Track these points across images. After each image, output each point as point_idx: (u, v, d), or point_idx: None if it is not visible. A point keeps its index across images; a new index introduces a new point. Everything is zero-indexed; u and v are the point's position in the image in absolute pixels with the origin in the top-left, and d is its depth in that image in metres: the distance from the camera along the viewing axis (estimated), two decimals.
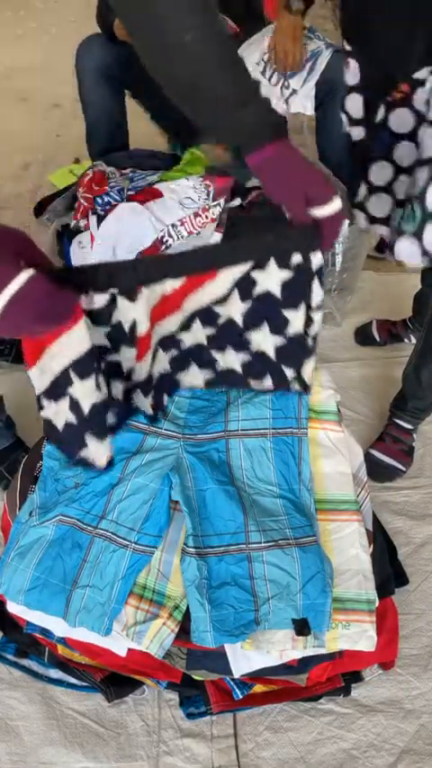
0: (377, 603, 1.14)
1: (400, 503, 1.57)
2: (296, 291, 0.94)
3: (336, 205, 0.86)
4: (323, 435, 1.23)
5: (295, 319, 0.97)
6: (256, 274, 0.93)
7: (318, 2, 1.96)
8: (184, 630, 1.09)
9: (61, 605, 1.09)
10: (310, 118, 2.12)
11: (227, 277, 0.93)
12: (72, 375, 0.90)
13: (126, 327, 0.92)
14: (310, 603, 1.07)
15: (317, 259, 0.91)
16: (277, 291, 0.93)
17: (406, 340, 1.90)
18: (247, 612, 1.07)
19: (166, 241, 1.91)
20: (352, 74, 1.17)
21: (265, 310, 0.97)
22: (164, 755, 1.20)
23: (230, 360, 1.06)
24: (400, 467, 1.61)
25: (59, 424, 0.97)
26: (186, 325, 0.99)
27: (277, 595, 1.07)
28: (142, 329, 0.92)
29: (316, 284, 0.95)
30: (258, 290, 0.94)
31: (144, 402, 1.08)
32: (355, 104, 1.19)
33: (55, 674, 1.26)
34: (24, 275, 0.72)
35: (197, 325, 0.99)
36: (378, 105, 1.13)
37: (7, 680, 1.29)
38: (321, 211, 0.86)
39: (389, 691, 1.27)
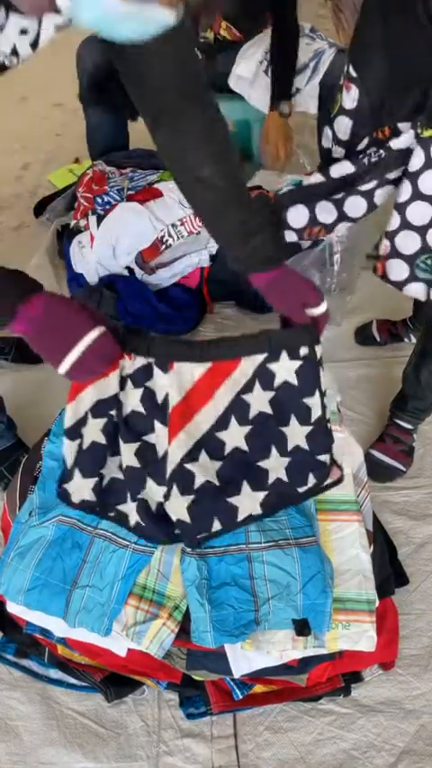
0: (377, 604, 1.14)
1: (400, 503, 1.57)
2: (309, 378, 1.09)
3: (324, 306, 1.09)
4: None
5: (315, 406, 1.10)
6: (272, 366, 1.09)
7: (318, 2, 1.96)
8: (184, 630, 1.09)
9: (61, 605, 1.09)
10: (312, 117, 2.12)
11: (247, 365, 1.09)
12: (89, 415, 1.08)
13: (159, 399, 1.08)
14: (310, 604, 1.07)
15: (319, 350, 1.09)
16: (294, 380, 1.08)
17: (406, 340, 1.90)
18: (247, 613, 1.07)
19: (166, 241, 1.91)
20: (350, 98, 1.21)
21: (289, 401, 1.09)
22: (164, 755, 1.20)
23: (275, 466, 1.10)
24: (400, 467, 1.61)
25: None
26: (223, 424, 1.09)
27: (277, 595, 1.07)
28: (174, 402, 1.07)
29: (321, 372, 1.11)
30: (278, 380, 1.09)
31: (180, 504, 1.06)
32: (343, 127, 1.24)
33: (55, 674, 1.26)
34: (98, 330, 0.93)
35: (234, 423, 1.09)
36: (363, 136, 1.21)
37: (7, 680, 1.29)
38: (316, 311, 1.09)
39: (389, 691, 1.27)
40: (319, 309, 1.09)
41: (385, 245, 1.23)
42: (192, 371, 1.08)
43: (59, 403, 1.33)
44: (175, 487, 1.06)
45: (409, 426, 1.62)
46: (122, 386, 1.08)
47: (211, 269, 1.95)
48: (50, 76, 3.00)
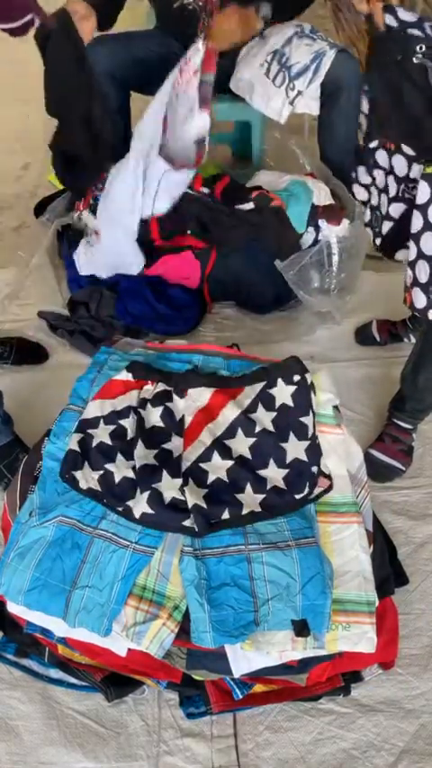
0: (377, 604, 1.14)
1: (400, 502, 1.57)
2: (303, 400, 1.25)
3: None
4: (320, 439, 1.24)
5: (309, 424, 1.24)
6: (271, 391, 1.26)
7: (318, 2, 1.96)
8: (184, 630, 1.09)
9: (61, 606, 1.09)
10: (312, 118, 2.12)
11: (249, 391, 1.27)
12: (101, 421, 1.24)
13: (177, 417, 1.25)
14: (309, 604, 1.07)
15: (310, 377, 1.27)
16: (290, 401, 1.25)
17: (406, 340, 1.90)
18: (247, 613, 1.07)
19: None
20: (365, 103, 1.44)
21: (288, 420, 1.24)
22: (164, 755, 1.20)
23: (273, 476, 1.20)
24: (399, 467, 1.61)
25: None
26: (232, 433, 1.23)
27: (277, 596, 1.07)
28: (188, 420, 1.24)
29: (313, 396, 1.26)
30: (278, 403, 1.26)
31: (197, 493, 1.15)
32: (363, 123, 1.47)
33: (55, 673, 1.26)
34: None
35: (240, 433, 1.23)
36: (373, 138, 1.43)
37: (7, 680, 1.29)
38: None
39: (389, 690, 1.27)
40: None
41: (409, 275, 1.32)
42: (202, 394, 1.26)
43: (59, 404, 1.34)
44: (191, 481, 1.16)
45: (407, 426, 1.62)
46: (143, 405, 1.25)
47: (212, 269, 1.95)
48: None
